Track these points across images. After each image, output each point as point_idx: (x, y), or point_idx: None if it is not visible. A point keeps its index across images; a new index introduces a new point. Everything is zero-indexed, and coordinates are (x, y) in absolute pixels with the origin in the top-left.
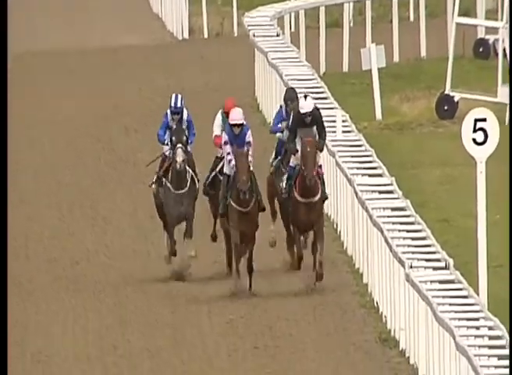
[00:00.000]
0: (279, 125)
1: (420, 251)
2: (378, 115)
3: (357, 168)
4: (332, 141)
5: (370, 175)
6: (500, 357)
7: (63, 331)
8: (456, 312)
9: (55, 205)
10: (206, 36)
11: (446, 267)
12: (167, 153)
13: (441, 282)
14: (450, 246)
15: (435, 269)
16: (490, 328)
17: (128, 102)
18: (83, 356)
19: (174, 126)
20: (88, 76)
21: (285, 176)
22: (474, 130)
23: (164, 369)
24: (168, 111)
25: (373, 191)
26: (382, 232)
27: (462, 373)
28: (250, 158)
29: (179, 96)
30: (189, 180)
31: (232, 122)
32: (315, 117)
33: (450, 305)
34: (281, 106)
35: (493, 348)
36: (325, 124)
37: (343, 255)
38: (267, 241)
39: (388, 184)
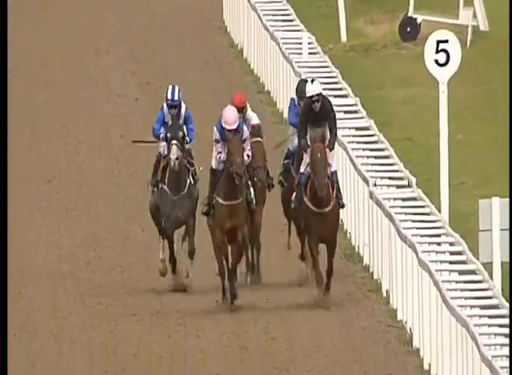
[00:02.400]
0: (297, 119)
1: (383, 169)
2: (344, 37)
3: (323, 89)
4: (298, 62)
5: (335, 96)
6: (461, 272)
7: (36, 247)
8: (418, 228)
9: (27, 124)
10: None
11: (409, 185)
12: (161, 150)
13: (404, 199)
14: (413, 164)
15: (398, 187)
16: (451, 244)
17: (98, 25)
18: (56, 272)
19: (170, 122)
20: (59, 0)
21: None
22: (437, 52)
23: (135, 284)
24: (165, 104)
25: (338, 111)
26: (346, 151)
27: (424, 287)
28: (247, 152)
29: (177, 88)
30: (188, 181)
31: (224, 126)
32: (325, 106)
33: (413, 221)
34: (292, 99)
35: (454, 264)
36: (294, 47)
37: None
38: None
39: (353, 105)
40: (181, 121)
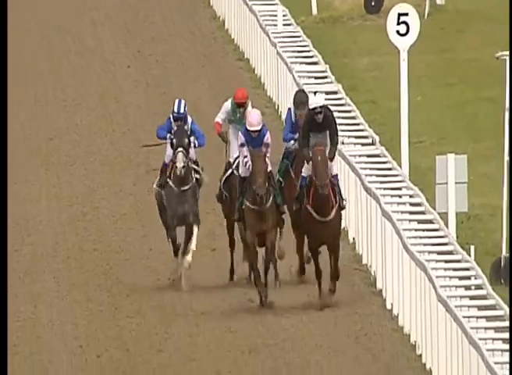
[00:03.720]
0: (291, 134)
1: (350, 129)
2: (314, 10)
3: (296, 57)
4: (274, 33)
5: (307, 63)
6: (420, 221)
7: (39, 199)
8: (381, 182)
9: (31, 90)
10: None
11: (373, 143)
12: (167, 161)
13: (368, 156)
14: (377, 124)
15: (363, 144)
16: (411, 196)
17: (94, 0)
18: (56, 221)
19: (175, 128)
20: None
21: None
22: (398, 23)
23: (127, 232)
24: (171, 116)
25: (309, 77)
26: None
27: (387, 235)
28: (267, 161)
29: (183, 102)
30: (193, 179)
31: (249, 128)
32: (327, 116)
33: (377, 176)
34: (290, 109)
35: (414, 214)
36: (269, 20)
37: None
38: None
39: (323, 71)
40: (186, 128)
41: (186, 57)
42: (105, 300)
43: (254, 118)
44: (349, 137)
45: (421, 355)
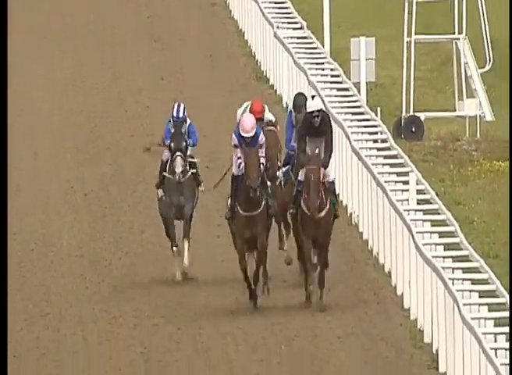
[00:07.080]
0: (294, 144)
1: (283, 16)
2: None
3: None
4: None
5: None
6: (338, 89)
7: (36, 70)
8: (308, 58)
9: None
10: None
11: (302, 28)
12: (163, 158)
13: (298, 38)
14: (304, 13)
15: (294, 29)
16: (332, 69)
17: None
18: (51, 89)
19: (172, 131)
20: None
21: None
22: None
23: (107, 96)
24: (171, 120)
25: None
26: (258, 4)
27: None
28: (262, 160)
29: (182, 106)
30: (189, 173)
31: (243, 134)
32: (324, 120)
33: (305, 53)
34: (290, 111)
35: (333, 83)
36: None
37: (230, 21)
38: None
39: None
40: (184, 131)
41: None
42: (91, 151)
43: (247, 123)
44: (282, 23)
45: (347, 206)
